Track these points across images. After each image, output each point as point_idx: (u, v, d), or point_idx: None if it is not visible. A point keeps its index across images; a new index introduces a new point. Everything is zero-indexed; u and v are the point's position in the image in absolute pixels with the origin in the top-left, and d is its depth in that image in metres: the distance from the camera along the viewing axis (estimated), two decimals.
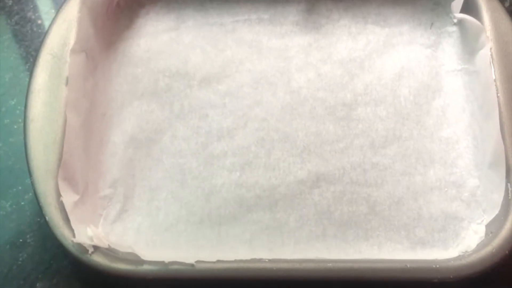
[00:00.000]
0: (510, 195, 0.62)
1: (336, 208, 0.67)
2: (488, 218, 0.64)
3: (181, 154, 0.70)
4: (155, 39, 0.77)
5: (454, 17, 0.75)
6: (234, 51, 0.76)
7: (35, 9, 0.82)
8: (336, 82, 0.74)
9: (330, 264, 0.61)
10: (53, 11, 0.81)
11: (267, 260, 0.61)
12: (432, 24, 0.77)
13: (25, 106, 0.66)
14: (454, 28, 0.76)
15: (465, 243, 0.64)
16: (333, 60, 0.76)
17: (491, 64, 0.68)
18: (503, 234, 0.60)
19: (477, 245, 0.62)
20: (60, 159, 0.63)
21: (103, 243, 0.61)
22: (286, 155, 0.70)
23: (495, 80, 0.67)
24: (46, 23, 0.80)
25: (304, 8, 0.78)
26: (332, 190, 0.68)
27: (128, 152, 0.70)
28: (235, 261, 0.61)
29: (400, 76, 0.74)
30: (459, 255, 0.62)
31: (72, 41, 0.68)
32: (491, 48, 0.69)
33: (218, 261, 0.60)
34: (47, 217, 0.61)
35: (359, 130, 0.71)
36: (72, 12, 0.70)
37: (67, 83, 0.66)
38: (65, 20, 0.70)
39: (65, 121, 0.65)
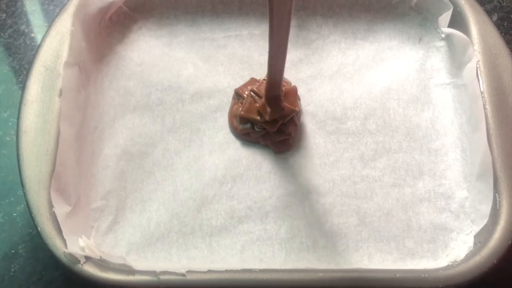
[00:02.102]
0: (498, 205, 0.63)
1: (326, 219, 0.67)
2: (476, 228, 0.65)
3: (172, 167, 0.70)
4: (148, 54, 0.77)
5: (442, 32, 0.77)
6: (225, 66, 0.77)
7: (28, 22, 0.83)
8: (326, 96, 0.75)
9: (321, 274, 0.61)
10: (46, 24, 0.82)
11: (258, 270, 0.61)
12: (420, 39, 0.78)
13: (18, 118, 0.66)
14: (442, 43, 0.77)
15: (454, 254, 0.64)
16: (323, 75, 0.77)
17: (478, 77, 0.69)
18: (491, 243, 0.61)
19: (466, 255, 0.63)
20: (52, 170, 0.63)
21: (95, 254, 0.61)
22: (276, 168, 0.70)
23: (482, 92, 0.68)
24: (39, 37, 0.81)
25: (294, 24, 0.79)
26: (322, 202, 0.68)
27: (120, 164, 0.70)
28: (226, 271, 0.61)
29: (389, 89, 0.75)
30: (448, 265, 0.62)
31: (65, 54, 0.69)
32: (478, 61, 0.70)
33: (209, 271, 0.60)
34: (39, 228, 0.61)
35: (348, 143, 0.72)
36: (65, 25, 0.71)
37: (60, 95, 0.67)
38: (58, 33, 0.70)
39: (57, 133, 0.65)
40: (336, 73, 0.77)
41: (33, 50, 0.79)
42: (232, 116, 0.73)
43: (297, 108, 0.70)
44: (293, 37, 0.78)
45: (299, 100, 0.74)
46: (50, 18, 0.81)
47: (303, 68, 0.77)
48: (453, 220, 0.67)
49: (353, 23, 0.80)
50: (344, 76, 0.76)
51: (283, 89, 0.69)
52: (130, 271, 0.61)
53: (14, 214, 0.70)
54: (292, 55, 0.77)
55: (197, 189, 0.69)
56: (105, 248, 0.65)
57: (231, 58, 0.77)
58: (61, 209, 0.62)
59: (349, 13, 0.80)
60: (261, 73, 0.75)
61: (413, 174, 0.70)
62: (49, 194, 0.62)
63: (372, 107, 0.74)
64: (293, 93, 0.71)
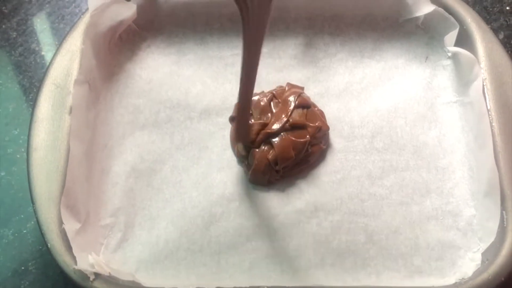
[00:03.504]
0: (505, 222, 0.63)
1: (334, 237, 0.67)
2: (484, 246, 0.65)
3: (181, 184, 0.71)
4: (157, 71, 0.78)
5: (448, 51, 0.77)
6: (233, 84, 0.77)
7: (38, 41, 0.83)
8: (333, 115, 0.75)
9: None
10: (56, 43, 0.83)
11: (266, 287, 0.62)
12: (427, 57, 0.78)
13: (29, 135, 0.67)
14: (448, 61, 0.78)
15: (462, 271, 0.64)
16: (330, 93, 0.77)
17: (485, 95, 0.69)
18: (499, 261, 0.61)
19: (474, 272, 0.63)
20: (62, 187, 0.64)
21: (105, 271, 0.61)
22: (284, 185, 0.71)
23: (489, 110, 0.68)
24: (49, 55, 0.82)
25: (302, 42, 0.80)
26: (330, 220, 0.68)
27: (129, 182, 0.71)
28: None
29: (396, 108, 0.75)
30: (456, 282, 0.62)
31: (75, 71, 0.70)
32: (484, 79, 0.70)
33: None
34: (49, 244, 0.62)
35: (356, 161, 0.72)
36: (75, 44, 0.72)
37: (70, 113, 0.67)
38: (69, 51, 0.71)
39: (67, 150, 0.66)
40: (343, 92, 0.77)
41: (43, 68, 0.80)
42: (234, 140, 0.73)
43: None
44: (301, 55, 0.79)
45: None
46: (60, 37, 0.82)
47: (310, 86, 0.77)
48: (460, 238, 0.67)
49: (360, 42, 0.80)
50: (351, 95, 0.77)
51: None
52: None
53: (24, 231, 0.70)
54: (299, 74, 0.78)
55: (206, 206, 0.69)
56: (114, 265, 0.66)
57: (239, 76, 0.77)
58: (71, 226, 0.63)
59: (356, 32, 0.80)
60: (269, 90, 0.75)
61: (420, 192, 0.70)
62: (59, 211, 0.63)
63: (379, 125, 0.74)
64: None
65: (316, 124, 0.71)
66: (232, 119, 0.73)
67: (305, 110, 0.72)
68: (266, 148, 0.70)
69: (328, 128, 0.73)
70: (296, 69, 0.77)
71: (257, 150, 0.70)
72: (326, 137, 0.73)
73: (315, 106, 0.74)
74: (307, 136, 0.70)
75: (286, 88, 0.74)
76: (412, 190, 0.70)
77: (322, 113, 0.74)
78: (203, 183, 0.71)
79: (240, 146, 0.71)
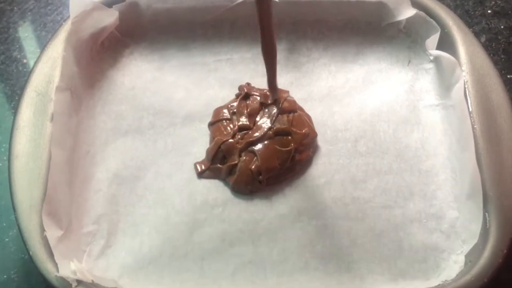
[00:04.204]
0: (488, 224, 0.63)
1: (318, 241, 0.67)
2: (467, 248, 0.65)
3: (164, 190, 0.71)
4: (139, 78, 0.78)
5: (430, 54, 0.77)
6: (216, 90, 0.78)
7: (20, 48, 0.83)
8: (317, 119, 0.75)
9: None
10: (38, 50, 0.83)
11: None
12: (409, 61, 0.79)
13: (10, 142, 0.66)
14: (431, 65, 0.78)
15: (445, 273, 0.64)
16: (314, 98, 0.77)
17: (466, 97, 0.70)
18: (481, 262, 0.61)
19: (457, 274, 0.63)
20: (44, 194, 0.63)
21: (87, 278, 0.61)
22: (268, 191, 0.71)
23: (471, 112, 0.69)
24: (31, 63, 0.81)
25: (285, 47, 0.80)
26: (314, 224, 0.68)
27: (112, 188, 0.70)
28: None
29: (379, 111, 0.75)
30: (439, 284, 0.62)
31: (56, 79, 0.70)
32: (466, 82, 0.70)
33: None
34: (31, 252, 0.61)
35: (339, 165, 0.72)
36: (57, 51, 0.71)
37: (51, 120, 0.67)
38: (50, 58, 0.71)
39: (49, 157, 0.65)
40: (326, 96, 0.77)
41: (26, 76, 0.79)
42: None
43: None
44: (284, 60, 0.79)
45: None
46: (42, 44, 0.81)
47: (293, 91, 0.77)
48: (444, 240, 0.67)
49: (343, 46, 0.80)
50: (335, 99, 0.77)
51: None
52: None
53: (7, 239, 0.70)
54: (282, 78, 0.78)
55: (189, 212, 0.69)
56: (97, 271, 0.65)
57: (222, 82, 0.78)
58: (52, 233, 0.62)
59: (339, 36, 0.81)
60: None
61: (403, 195, 0.70)
62: (40, 218, 0.62)
63: (362, 129, 0.74)
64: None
65: (303, 131, 0.71)
66: (210, 124, 0.73)
67: (291, 116, 0.72)
68: (248, 158, 0.70)
69: (316, 134, 0.73)
70: (279, 74, 0.77)
71: (240, 159, 0.70)
72: (314, 143, 0.73)
73: (302, 110, 0.74)
74: (292, 144, 0.70)
75: None
76: (396, 193, 0.70)
77: (309, 117, 0.74)
78: (186, 189, 0.71)
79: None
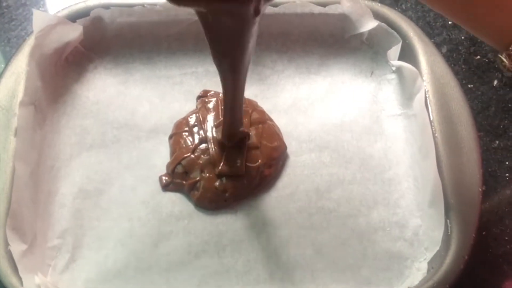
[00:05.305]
0: (449, 231, 0.64)
1: (283, 251, 0.68)
2: (430, 255, 0.65)
3: (129, 203, 0.71)
4: (104, 92, 0.78)
5: (392, 65, 0.78)
6: (181, 103, 0.78)
7: None
8: (282, 130, 0.75)
9: None
10: (1, 66, 0.82)
11: None
12: (372, 72, 0.79)
13: None
14: (393, 75, 0.79)
15: (409, 281, 0.65)
16: (278, 109, 0.77)
17: (427, 106, 0.70)
18: (443, 269, 0.62)
19: (420, 281, 0.63)
20: (8, 209, 0.63)
21: None
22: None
23: (432, 121, 0.69)
24: None
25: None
26: (279, 235, 0.69)
27: (77, 202, 0.70)
28: None
29: (342, 122, 0.76)
30: None
31: (20, 93, 0.69)
32: (427, 92, 0.71)
33: None
34: None
35: (304, 176, 0.73)
36: (21, 66, 0.71)
37: (15, 135, 0.67)
38: (14, 73, 0.71)
39: (13, 172, 0.65)
40: (290, 107, 0.78)
41: None
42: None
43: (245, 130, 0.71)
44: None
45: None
46: (6, 59, 0.81)
47: (258, 103, 0.77)
48: (407, 248, 0.68)
49: (307, 58, 0.81)
50: (299, 110, 0.77)
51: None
52: None
53: None
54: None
55: (154, 225, 0.69)
56: (62, 285, 0.65)
57: (187, 95, 0.78)
58: (17, 247, 0.62)
59: (303, 48, 0.81)
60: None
61: (367, 204, 0.71)
62: (4, 232, 0.62)
63: (326, 139, 0.75)
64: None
65: (273, 144, 0.72)
66: (170, 137, 0.73)
67: (260, 127, 0.72)
68: (212, 174, 0.70)
69: (285, 147, 0.73)
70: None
71: (202, 176, 0.70)
72: (284, 156, 0.74)
73: (271, 120, 0.75)
74: (259, 161, 0.71)
75: None
76: (359, 202, 0.71)
77: (278, 128, 0.75)
78: (151, 202, 0.71)
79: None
